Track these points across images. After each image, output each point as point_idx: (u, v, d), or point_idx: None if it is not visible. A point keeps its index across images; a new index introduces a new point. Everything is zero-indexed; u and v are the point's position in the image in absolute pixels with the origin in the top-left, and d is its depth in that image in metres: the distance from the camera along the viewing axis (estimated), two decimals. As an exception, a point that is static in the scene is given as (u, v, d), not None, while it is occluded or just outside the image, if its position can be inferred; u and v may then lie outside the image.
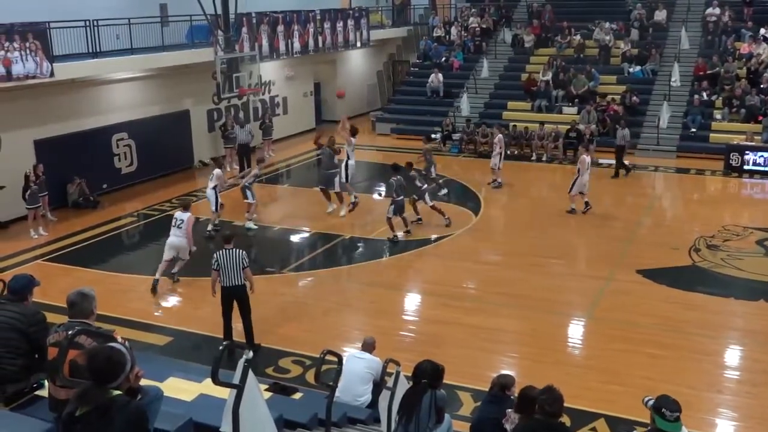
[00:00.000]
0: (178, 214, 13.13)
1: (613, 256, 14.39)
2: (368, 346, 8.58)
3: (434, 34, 30.79)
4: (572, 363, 10.51)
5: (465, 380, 9.43)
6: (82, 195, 18.16)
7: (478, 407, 7.75)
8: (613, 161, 21.20)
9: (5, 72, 15.16)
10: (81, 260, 14.61)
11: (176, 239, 12.97)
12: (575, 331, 11.63)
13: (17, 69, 15.37)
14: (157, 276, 12.97)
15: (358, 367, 8.21)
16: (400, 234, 15.52)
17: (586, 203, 17.14)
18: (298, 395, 7.69)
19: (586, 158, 17.31)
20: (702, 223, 16.39)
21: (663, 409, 4.94)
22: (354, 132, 17.85)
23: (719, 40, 26.17)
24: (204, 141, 22.78)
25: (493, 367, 9.81)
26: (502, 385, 6.71)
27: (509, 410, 6.19)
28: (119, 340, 4.57)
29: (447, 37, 30.43)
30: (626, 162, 20.97)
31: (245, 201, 16.52)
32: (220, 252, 10.27)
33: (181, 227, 12.95)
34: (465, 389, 9.35)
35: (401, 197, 15.37)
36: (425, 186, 16.49)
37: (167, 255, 13.06)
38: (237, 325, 10.54)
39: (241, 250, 10.33)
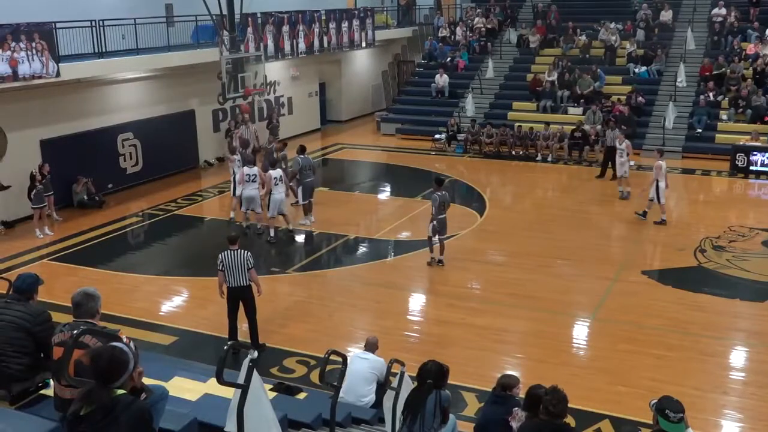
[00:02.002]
0: (246, 169, 15.39)
1: (618, 257, 14.36)
2: (371, 346, 8.56)
3: (439, 35, 30.78)
4: (577, 364, 10.48)
5: (470, 381, 9.42)
6: (88, 195, 18.20)
7: (482, 408, 7.74)
8: (631, 162, 21.17)
9: (11, 72, 15.20)
10: (86, 260, 14.64)
11: (251, 191, 15.24)
12: (580, 331, 11.61)
13: (23, 69, 15.41)
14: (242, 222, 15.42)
15: (361, 367, 8.20)
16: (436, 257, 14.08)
17: (662, 220, 16.36)
18: (302, 395, 7.70)
19: (663, 164, 16.38)
20: (708, 224, 16.34)
21: (666, 410, 4.93)
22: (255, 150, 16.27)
23: (725, 40, 26.11)
24: (209, 141, 22.80)
25: (499, 367, 9.80)
26: (505, 385, 6.70)
27: (516, 408, 6.20)
28: (124, 339, 4.58)
29: (452, 37, 30.40)
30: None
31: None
32: (225, 253, 10.25)
33: (255, 180, 15.25)
34: (470, 390, 9.34)
35: (443, 215, 13.82)
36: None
37: (244, 206, 15.61)
38: (242, 325, 10.55)
39: (246, 251, 10.30)
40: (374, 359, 8.35)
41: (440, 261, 14.01)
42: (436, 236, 13.89)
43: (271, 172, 15.45)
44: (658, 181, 16.22)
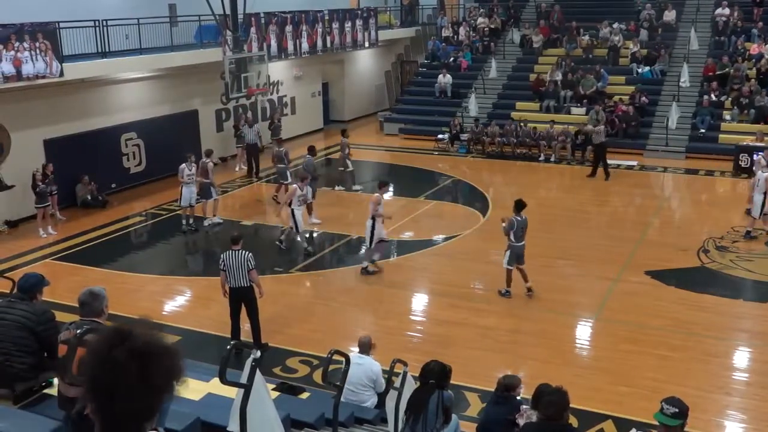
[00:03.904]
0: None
1: (621, 257, 14.34)
2: (365, 347, 8.39)
3: (442, 35, 30.77)
4: (580, 364, 10.48)
5: (472, 381, 9.42)
6: (91, 194, 18.22)
7: (484, 408, 7.75)
8: (633, 162, 21.36)
9: (15, 72, 15.23)
10: (90, 259, 14.66)
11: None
12: (583, 332, 11.60)
13: (27, 69, 15.44)
14: (365, 264, 13.67)
15: (356, 374, 7.94)
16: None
17: (747, 232, 15.30)
18: (305, 395, 7.71)
19: (763, 174, 15.02)
20: (711, 224, 16.32)
21: (662, 403, 4.98)
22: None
23: (729, 40, 26.06)
24: (212, 141, 22.78)
25: (501, 368, 9.79)
26: (507, 385, 6.72)
27: (525, 407, 6.24)
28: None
29: (455, 37, 30.40)
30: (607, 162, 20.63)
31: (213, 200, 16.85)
32: (227, 253, 10.26)
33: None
34: (472, 390, 9.34)
35: (521, 243, 12.25)
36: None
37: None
38: (245, 324, 10.57)
39: (247, 252, 10.28)
40: (368, 364, 8.15)
41: (529, 289, 12.45)
42: (513, 265, 12.33)
43: (295, 185, 14.76)
44: (755, 191, 15.10)
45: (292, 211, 14.46)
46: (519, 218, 12.21)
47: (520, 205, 12.32)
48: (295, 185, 14.84)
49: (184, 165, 16.30)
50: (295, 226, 14.53)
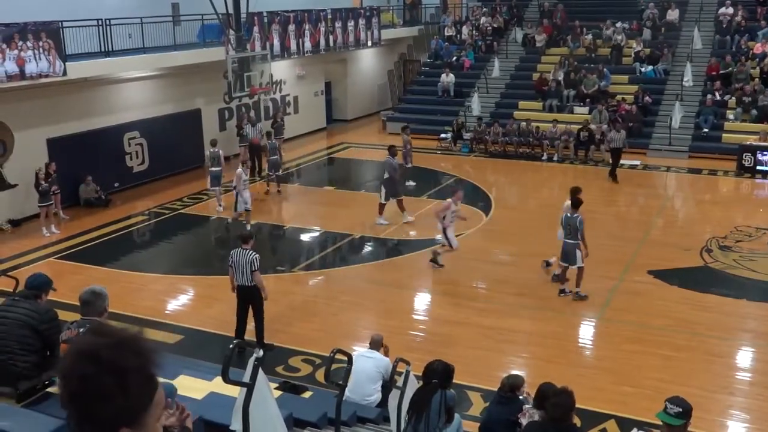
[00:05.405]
0: (569, 213, 12.23)
1: (624, 257, 14.32)
2: (376, 344, 8.52)
3: (445, 34, 30.75)
4: (583, 364, 10.47)
5: (475, 380, 9.42)
6: (94, 193, 18.23)
7: (487, 408, 7.74)
8: (636, 162, 21.38)
9: (19, 71, 15.24)
10: (92, 258, 14.67)
11: (566, 242, 12.18)
12: (586, 331, 11.59)
13: (30, 68, 15.45)
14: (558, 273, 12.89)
15: (367, 366, 8.18)
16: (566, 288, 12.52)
17: None
18: (308, 394, 7.70)
19: None
20: (714, 224, 16.29)
21: (666, 402, 4.97)
22: None
23: (732, 39, 26.02)
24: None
25: (504, 367, 9.79)
26: (512, 385, 6.71)
27: (528, 406, 6.23)
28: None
29: (458, 36, 30.40)
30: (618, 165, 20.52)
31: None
32: (236, 251, 10.31)
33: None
34: (475, 389, 9.34)
35: (571, 241, 12.06)
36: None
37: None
38: (251, 323, 10.58)
39: (254, 253, 10.26)
40: (379, 358, 8.32)
41: (562, 290, 12.45)
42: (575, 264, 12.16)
43: (449, 200, 13.74)
44: None
45: (444, 229, 13.60)
46: (567, 215, 12.21)
47: (575, 203, 12.23)
48: (449, 200, 13.80)
49: (240, 170, 16.09)
50: (449, 244, 13.70)
